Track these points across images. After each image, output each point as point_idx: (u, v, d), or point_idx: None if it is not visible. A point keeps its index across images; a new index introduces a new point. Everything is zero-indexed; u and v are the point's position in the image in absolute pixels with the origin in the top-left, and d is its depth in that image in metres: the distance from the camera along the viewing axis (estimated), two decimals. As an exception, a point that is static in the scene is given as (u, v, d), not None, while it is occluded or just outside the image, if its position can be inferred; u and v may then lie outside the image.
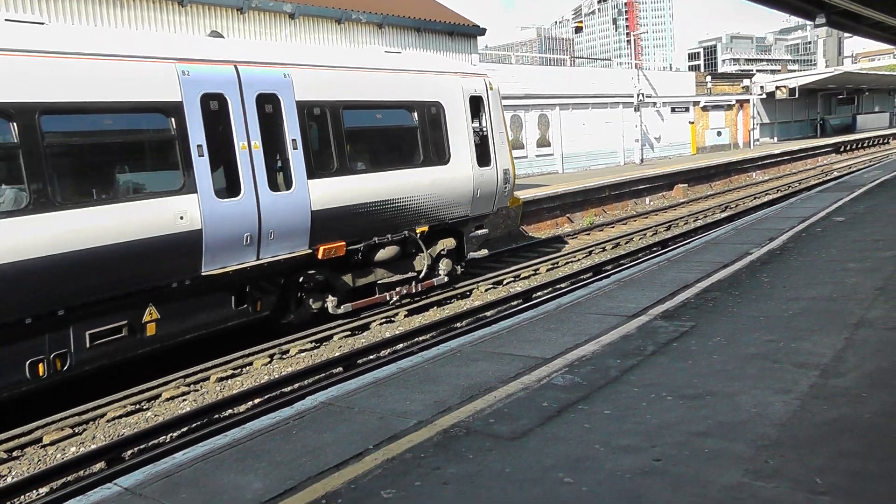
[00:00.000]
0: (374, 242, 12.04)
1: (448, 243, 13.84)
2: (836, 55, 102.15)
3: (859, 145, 53.29)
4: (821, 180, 31.87)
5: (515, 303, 13.12)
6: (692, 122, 45.88)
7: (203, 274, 9.58)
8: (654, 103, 41.48)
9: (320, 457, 4.65)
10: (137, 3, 19.57)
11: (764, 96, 53.88)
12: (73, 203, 8.21)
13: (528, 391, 5.59)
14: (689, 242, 14.44)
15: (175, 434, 8.10)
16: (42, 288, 7.95)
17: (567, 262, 16.88)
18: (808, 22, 24.14)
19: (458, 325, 11.86)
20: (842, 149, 49.83)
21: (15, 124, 7.75)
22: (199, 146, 9.38)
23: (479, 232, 14.80)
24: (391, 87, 12.44)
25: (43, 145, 7.95)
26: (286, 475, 4.41)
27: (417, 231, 12.81)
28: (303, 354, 10.88)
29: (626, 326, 7.31)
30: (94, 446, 7.92)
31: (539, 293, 13.69)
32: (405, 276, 13.02)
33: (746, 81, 55.27)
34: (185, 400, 9.31)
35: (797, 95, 54.07)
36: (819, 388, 5.10)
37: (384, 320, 12.52)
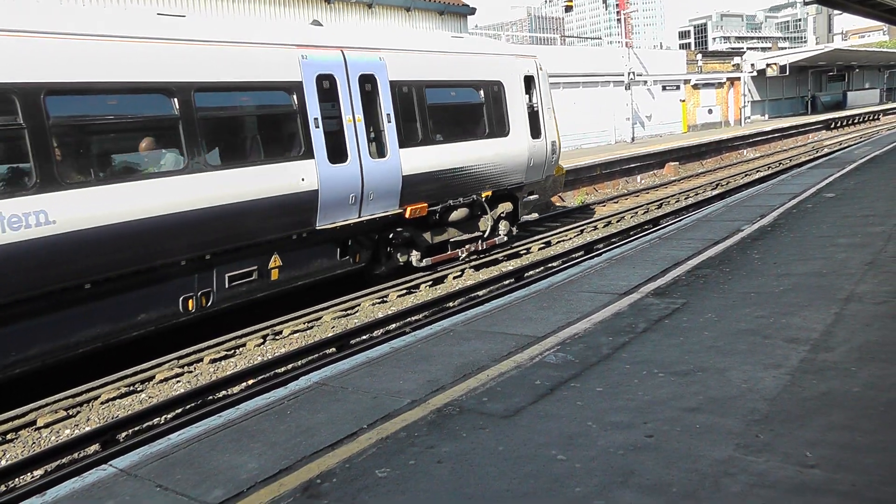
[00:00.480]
0: (449, 204, 13.71)
1: (506, 207, 15.38)
2: (827, 32, 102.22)
3: (850, 122, 53.35)
4: (811, 157, 31.91)
5: (507, 282, 13.14)
6: (683, 101, 45.87)
7: (317, 228, 11.23)
8: (645, 82, 41.42)
9: (315, 436, 4.67)
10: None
11: (755, 74, 53.86)
12: (218, 166, 9.85)
13: (521, 369, 5.62)
14: (680, 220, 14.48)
15: (169, 416, 8.11)
16: (196, 235, 9.53)
17: (559, 241, 16.91)
18: (797, -1, 24.08)
19: (451, 304, 11.88)
20: (832, 125, 49.88)
21: (175, 99, 9.29)
22: (315, 119, 11.04)
23: (531, 197, 16.21)
24: (462, 68, 14.12)
25: (196, 117, 9.53)
26: (281, 455, 4.44)
27: (483, 195, 14.42)
28: (296, 335, 10.89)
29: (617, 304, 7.34)
30: (88, 428, 7.93)
31: (531, 272, 13.72)
32: (472, 235, 14.73)
33: (737, 59, 55.21)
34: (178, 381, 9.31)
35: (788, 73, 54.11)
36: (809, 362, 5.14)
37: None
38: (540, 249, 16.16)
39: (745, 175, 27.91)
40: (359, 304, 12.16)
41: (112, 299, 8.91)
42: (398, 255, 13.23)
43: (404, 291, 12.93)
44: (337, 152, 11.31)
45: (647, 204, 21.33)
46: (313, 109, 10.98)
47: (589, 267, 9.54)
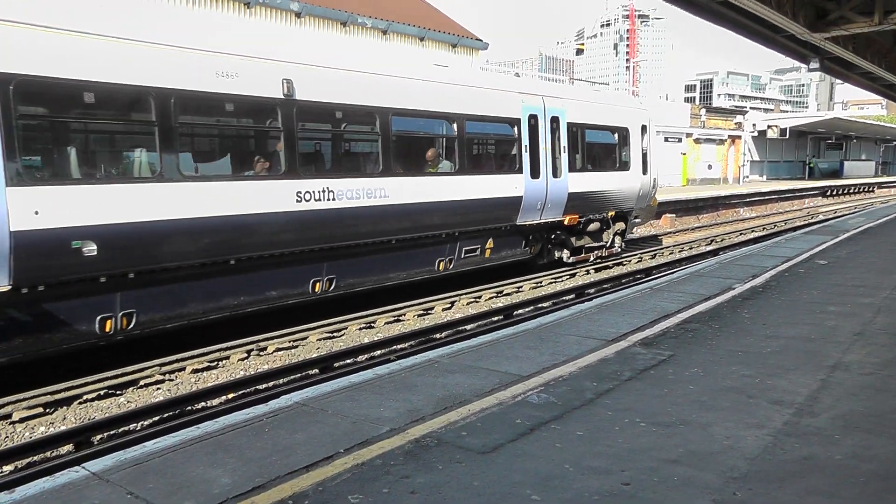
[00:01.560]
0: (589, 218, 18.01)
1: (620, 226, 19.54)
2: (828, 100, 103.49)
3: (845, 191, 53.83)
4: (806, 222, 32.13)
5: (496, 318, 13.11)
6: (684, 154, 46.21)
7: (516, 223, 15.70)
8: (648, 132, 41.67)
9: (291, 456, 4.64)
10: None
11: (756, 134, 54.43)
12: (476, 172, 14.54)
13: (503, 407, 5.61)
14: (672, 272, 14.55)
15: (146, 422, 8.02)
16: (453, 217, 13.88)
17: (550, 283, 16.91)
18: (802, 65, 24.49)
19: (438, 336, 11.84)
20: (828, 193, 50.33)
21: (454, 124, 13.92)
22: (525, 145, 15.54)
23: (637, 220, 20.63)
24: (607, 114, 18.53)
25: (464, 138, 14.12)
26: (255, 472, 4.40)
27: (609, 214, 18.75)
28: (280, 353, 10.84)
29: (604, 350, 7.34)
30: (63, 427, 7.85)
31: (521, 310, 13.70)
32: (599, 243, 18.85)
33: (739, 118, 55.85)
34: (159, 388, 9.24)
35: (788, 136, 54.72)
36: (792, 425, 5.14)
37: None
38: (532, 289, 16.17)
39: (740, 234, 28.06)
40: (345, 328, 12.12)
41: (403, 252, 13.23)
42: (555, 251, 17.67)
43: (392, 319, 12.90)
44: (534, 171, 15.75)
45: (641, 252, 21.39)
46: (524, 138, 15.49)
47: (579, 311, 9.55)
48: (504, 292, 15.57)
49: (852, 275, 12.07)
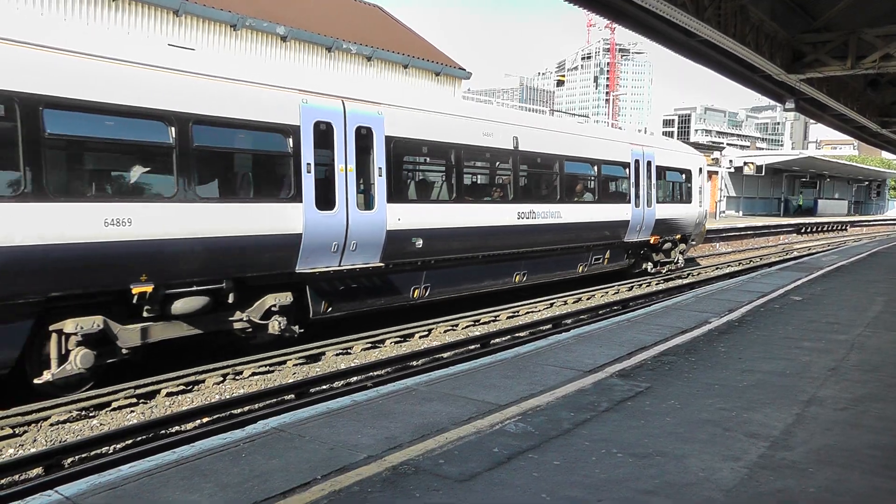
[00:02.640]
0: (665, 239, 23.07)
1: (682, 247, 24.60)
2: (802, 139, 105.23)
3: (819, 229, 54.49)
4: (781, 258, 32.48)
5: (473, 347, 13.09)
6: (662, 188, 46.58)
7: (624, 241, 20.82)
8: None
9: (268, 482, 4.62)
10: (134, 9, 19.61)
11: (732, 170, 55.10)
12: (604, 201, 19.73)
13: (480, 435, 5.62)
14: (649, 304, 14.65)
15: (119, 446, 7.91)
16: (588, 233, 18.97)
17: (528, 312, 16.95)
18: (778, 104, 25.16)
19: (414, 363, 11.81)
20: (803, 230, 50.92)
21: (595, 167, 19.13)
22: (632, 182, 20.72)
23: (693, 242, 25.73)
24: (678, 159, 24.04)
25: (600, 176, 19.47)
26: (232, 498, 4.37)
27: (676, 237, 23.88)
28: (256, 377, 10.76)
29: (581, 381, 7.38)
30: (33, 450, 7.72)
31: (498, 340, 13.71)
32: (669, 259, 23.92)
33: (716, 153, 56.50)
34: (132, 411, 9.13)
35: (763, 173, 55.42)
36: (767, 458, 5.19)
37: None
38: (509, 318, 16.20)
39: (716, 268, 28.30)
40: (322, 353, 12.06)
41: (564, 257, 18.43)
42: (643, 263, 22.81)
43: (369, 345, 12.86)
44: (637, 201, 20.89)
45: (619, 285, 21.51)
46: (631, 177, 20.76)
47: (556, 341, 9.60)
48: (481, 321, 15.57)
49: (826, 311, 12.22)
